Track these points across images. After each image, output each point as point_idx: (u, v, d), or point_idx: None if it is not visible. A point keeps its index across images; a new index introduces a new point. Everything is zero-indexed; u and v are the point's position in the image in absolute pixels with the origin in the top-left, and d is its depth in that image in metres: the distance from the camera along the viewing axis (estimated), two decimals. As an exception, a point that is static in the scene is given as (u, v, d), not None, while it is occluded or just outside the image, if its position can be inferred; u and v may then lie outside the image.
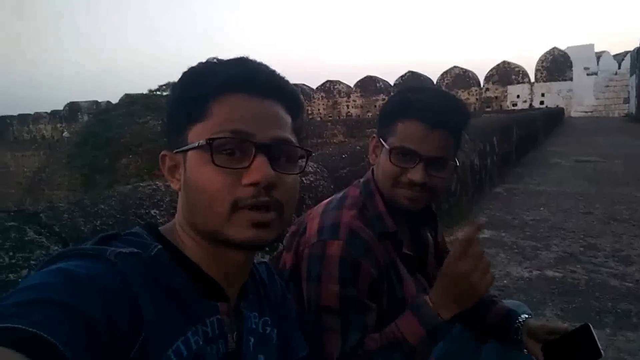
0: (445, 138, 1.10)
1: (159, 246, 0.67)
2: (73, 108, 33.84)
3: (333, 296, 1.04)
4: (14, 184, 32.74)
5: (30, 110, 37.42)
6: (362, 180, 1.25)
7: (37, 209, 1.23)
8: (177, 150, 0.70)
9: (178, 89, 0.72)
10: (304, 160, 0.75)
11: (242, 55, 0.73)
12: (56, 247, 1.12)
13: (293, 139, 0.72)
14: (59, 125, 34.61)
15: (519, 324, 1.30)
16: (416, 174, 1.09)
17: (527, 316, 1.31)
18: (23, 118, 36.94)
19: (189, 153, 0.68)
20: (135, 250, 0.63)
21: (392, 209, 1.16)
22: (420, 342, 1.01)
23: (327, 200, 1.25)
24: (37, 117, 36.15)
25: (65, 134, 32.01)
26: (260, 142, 0.67)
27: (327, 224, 1.11)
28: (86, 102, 33.96)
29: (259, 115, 0.69)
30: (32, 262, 1.04)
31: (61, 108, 34.79)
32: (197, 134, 0.67)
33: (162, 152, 0.74)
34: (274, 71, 0.73)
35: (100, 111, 27.42)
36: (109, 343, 0.52)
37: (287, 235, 1.23)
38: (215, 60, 0.72)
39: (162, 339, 0.60)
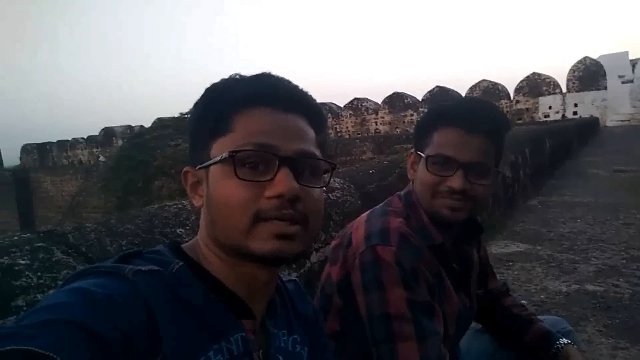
0: (484, 143, 1.08)
1: (180, 263, 0.66)
2: (108, 133, 34.88)
3: (401, 301, 1.00)
4: (54, 207, 33.83)
5: (68, 136, 38.78)
6: (402, 192, 1.23)
7: (65, 229, 1.26)
8: (200, 166, 0.69)
9: (200, 106, 0.72)
10: (329, 173, 0.74)
11: (263, 71, 0.73)
12: (82, 267, 1.13)
13: (317, 152, 0.71)
14: (94, 150, 35.70)
15: (557, 350, 1.24)
16: (455, 181, 1.06)
17: (566, 341, 1.26)
18: (61, 144, 38.27)
19: (212, 168, 0.67)
20: (156, 267, 0.63)
21: (435, 222, 1.13)
22: None
23: (368, 211, 1.22)
24: (74, 143, 37.39)
25: (101, 158, 32.97)
26: (284, 155, 0.66)
27: (375, 230, 1.09)
28: (120, 127, 34.97)
29: (282, 128, 0.68)
30: (59, 282, 1.05)
31: (97, 133, 35.92)
32: (220, 149, 0.67)
33: (185, 169, 0.74)
34: (296, 86, 0.73)
35: (134, 135, 28.20)
36: None
37: (330, 249, 1.21)
38: (237, 76, 0.72)
39: (182, 358, 0.58)
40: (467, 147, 1.06)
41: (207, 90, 0.72)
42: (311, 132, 0.72)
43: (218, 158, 0.66)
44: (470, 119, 1.07)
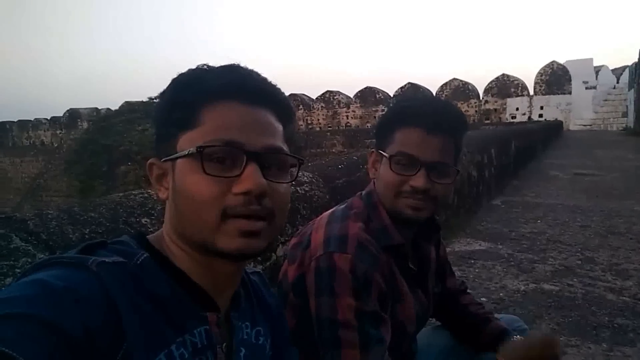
0: (445, 142, 1.10)
1: (145, 254, 0.65)
2: (73, 115, 33.88)
3: (349, 310, 1.01)
4: (12, 189, 32.70)
5: (30, 116, 37.51)
6: (364, 192, 1.24)
7: (25, 216, 1.22)
8: (166, 158, 0.68)
9: (167, 96, 0.70)
10: (296, 168, 0.74)
11: (233, 62, 0.72)
12: (42, 256, 1.10)
13: (284, 147, 0.71)
14: (58, 131, 34.63)
15: None
16: (418, 180, 1.07)
17: (519, 337, 1.30)
18: (23, 124, 37.00)
19: (178, 161, 0.66)
20: (120, 259, 0.62)
21: (396, 221, 1.14)
22: None
23: (330, 211, 1.23)
24: (36, 124, 36.20)
25: (65, 140, 31.99)
26: (251, 150, 0.65)
27: (334, 236, 1.09)
28: (86, 109, 34.00)
29: (249, 123, 0.67)
30: (17, 270, 1.02)
31: (61, 114, 34.83)
32: (187, 142, 0.66)
33: (150, 161, 0.72)
34: (265, 78, 0.72)
35: (100, 118, 27.50)
36: (85, 357, 0.51)
37: (289, 247, 1.21)
38: (205, 66, 0.71)
39: (144, 351, 0.58)
40: (428, 146, 1.08)
41: (175, 80, 0.71)
42: (279, 126, 0.72)
43: (185, 152, 0.65)
44: (431, 118, 1.08)
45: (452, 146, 1.12)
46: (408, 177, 1.09)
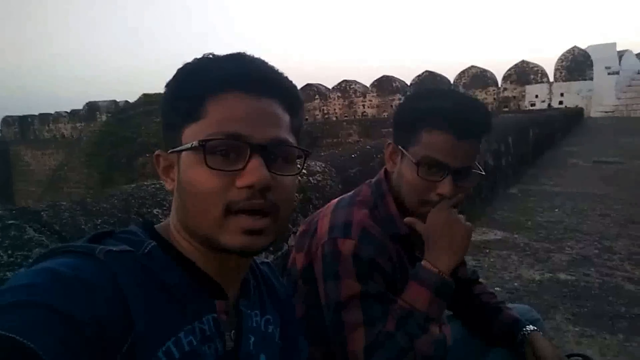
0: (472, 147, 1.08)
1: (153, 243, 0.66)
2: (92, 108, 34.21)
3: (354, 292, 1.03)
4: (34, 181, 33.31)
5: (50, 109, 37.96)
6: (373, 180, 1.23)
7: (39, 207, 1.25)
8: (172, 150, 0.68)
9: (172, 87, 0.70)
10: (302, 160, 0.73)
11: (238, 51, 0.71)
12: (52, 246, 1.12)
13: (291, 138, 0.70)
14: (78, 124, 35.05)
15: (524, 336, 1.27)
16: (445, 187, 1.06)
17: (532, 328, 1.28)
18: (44, 117, 37.48)
19: (183, 153, 0.66)
20: (127, 248, 0.62)
21: (403, 211, 1.14)
22: (429, 305, 1.02)
23: (337, 199, 1.24)
24: (57, 117, 36.64)
25: (82, 134, 32.39)
26: (255, 142, 0.64)
27: (339, 222, 1.10)
28: (105, 101, 34.29)
29: (254, 114, 0.66)
30: (31, 260, 1.04)
31: (80, 107, 35.25)
32: (192, 135, 0.65)
33: (156, 152, 0.73)
34: (272, 67, 0.71)
35: (118, 111, 27.79)
36: (95, 344, 0.51)
37: (297, 235, 1.22)
38: (210, 56, 0.70)
39: (153, 339, 0.59)
40: (457, 153, 1.06)
41: (179, 71, 0.70)
42: (286, 117, 0.71)
43: (189, 145, 0.64)
44: (463, 124, 1.05)
45: (478, 148, 1.11)
46: (434, 183, 1.08)
